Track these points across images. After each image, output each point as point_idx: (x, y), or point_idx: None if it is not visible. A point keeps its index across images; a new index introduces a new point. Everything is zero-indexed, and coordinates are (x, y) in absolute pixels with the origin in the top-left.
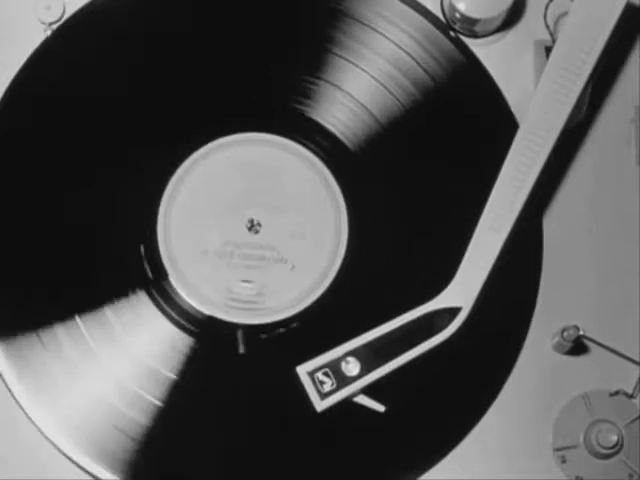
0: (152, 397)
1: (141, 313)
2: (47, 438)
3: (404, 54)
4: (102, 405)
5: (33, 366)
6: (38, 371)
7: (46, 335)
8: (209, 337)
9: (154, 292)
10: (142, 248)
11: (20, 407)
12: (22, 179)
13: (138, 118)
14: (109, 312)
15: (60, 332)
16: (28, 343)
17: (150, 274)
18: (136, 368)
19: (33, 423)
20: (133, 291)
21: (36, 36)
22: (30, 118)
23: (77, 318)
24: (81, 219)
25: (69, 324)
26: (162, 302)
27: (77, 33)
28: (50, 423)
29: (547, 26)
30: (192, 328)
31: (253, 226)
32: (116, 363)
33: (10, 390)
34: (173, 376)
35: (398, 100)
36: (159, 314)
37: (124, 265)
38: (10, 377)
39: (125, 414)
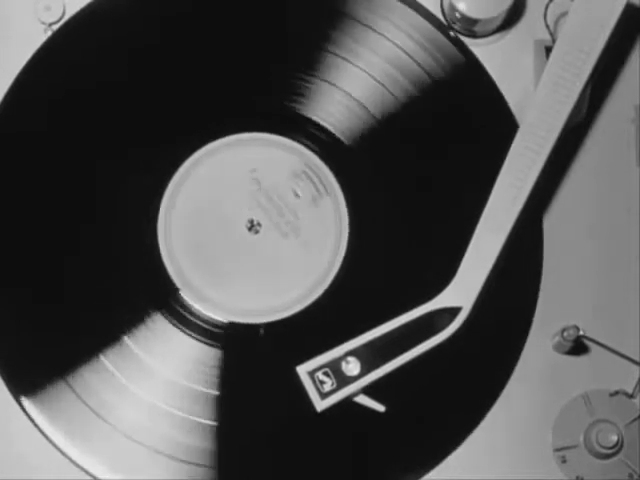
0: (187, 414)
1: (161, 334)
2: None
3: (402, 53)
4: (141, 431)
5: (68, 415)
6: (73, 419)
7: (75, 381)
8: (230, 344)
9: (168, 310)
10: (147, 267)
11: (61, 452)
12: (22, 179)
13: (138, 118)
14: (129, 341)
15: (88, 375)
16: (59, 393)
17: (161, 292)
18: (167, 388)
19: (77, 465)
20: (148, 314)
21: (36, 37)
22: (32, 119)
23: (101, 356)
24: (80, 248)
25: (95, 364)
26: (178, 318)
27: (77, 34)
28: (96, 466)
29: (547, 26)
30: (213, 334)
31: (253, 226)
32: (147, 388)
33: (52, 442)
34: (204, 389)
35: (397, 100)
36: (178, 331)
37: (133, 290)
38: (48, 429)
39: (163, 435)
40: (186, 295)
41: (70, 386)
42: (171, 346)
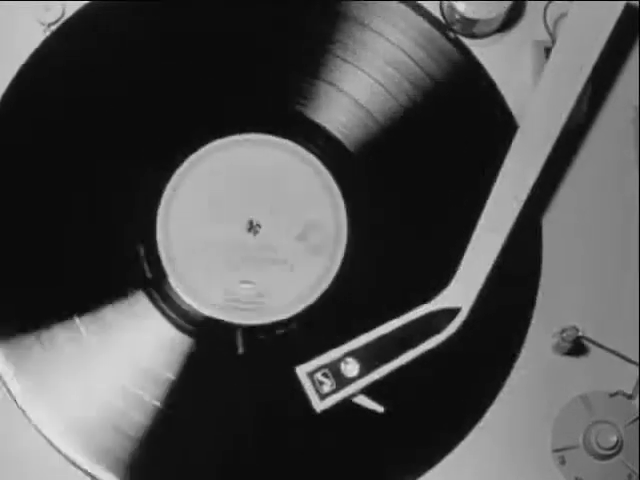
0: (151, 397)
1: (140, 313)
2: (45, 437)
3: (403, 54)
4: (100, 405)
5: (32, 366)
6: (37, 371)
7: (45, 336)
8: (208, 338)
9: (153, 292)
10: (141, 248)
11: (18, 407)
12: (21, 179)
13: (137, 119)
14: (108, 312)
15: (59, 332)
16: (27, 344)
17: (149, 274)
18: (135, 368)
19: (30, 422)
20: (132, 291)
21: (35, 37)
22: (29, 119)
23: (76, 319)
24: (80, 219)
25: (68, 324)
26: (161, 302)
27: (76, 34)
28: (48, 423)
29: (547, 27)
30: (191, 329)
31: (252, 227)
32: (115, 363)
33: (9, 390)
34: (172, 377)
35: (397, 100)
36: (158, 314)
37: (123, 265)
38: (9, 377)
39: (124, 414)
40: (174, 283)
41: (40, 341)
42: (147, 326)
